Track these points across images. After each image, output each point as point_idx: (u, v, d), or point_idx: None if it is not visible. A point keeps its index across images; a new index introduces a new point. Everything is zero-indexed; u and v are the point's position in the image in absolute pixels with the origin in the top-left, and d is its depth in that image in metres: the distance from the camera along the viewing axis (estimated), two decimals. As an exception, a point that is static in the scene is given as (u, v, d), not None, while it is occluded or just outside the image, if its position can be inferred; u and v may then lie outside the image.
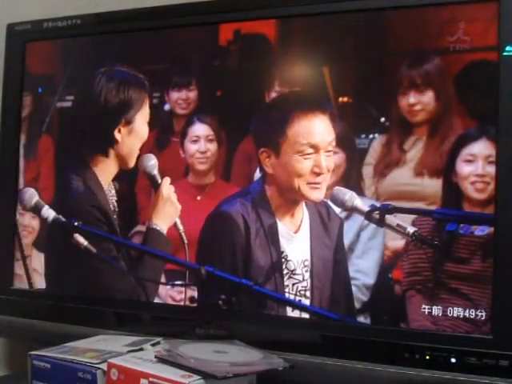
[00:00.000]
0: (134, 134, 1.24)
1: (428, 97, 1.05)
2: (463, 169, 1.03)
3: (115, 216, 1.26)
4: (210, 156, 1.22)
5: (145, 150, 1.25)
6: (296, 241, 1.15)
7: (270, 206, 1.15)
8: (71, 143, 1.32)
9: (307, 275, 1.14)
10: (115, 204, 1.27)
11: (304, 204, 1.15)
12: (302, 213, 1.16)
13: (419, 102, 1.06)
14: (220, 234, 1.16)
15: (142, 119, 1.24)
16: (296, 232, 1.15)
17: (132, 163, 1.25)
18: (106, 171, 1.26)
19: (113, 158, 1.25)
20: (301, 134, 1.11)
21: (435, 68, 1.05)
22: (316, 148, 1.11)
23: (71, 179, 1.26)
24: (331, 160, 1.11)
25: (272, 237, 1.14)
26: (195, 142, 1.22)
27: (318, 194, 1.12)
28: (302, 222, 1.16)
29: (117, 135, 1.24)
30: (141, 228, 1.26)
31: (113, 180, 1.27)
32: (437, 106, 1.05)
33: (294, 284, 1.13)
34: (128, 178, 1.27)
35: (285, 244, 1.14)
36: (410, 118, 1.07)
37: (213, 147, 1.22)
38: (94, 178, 1.25)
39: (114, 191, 1.27)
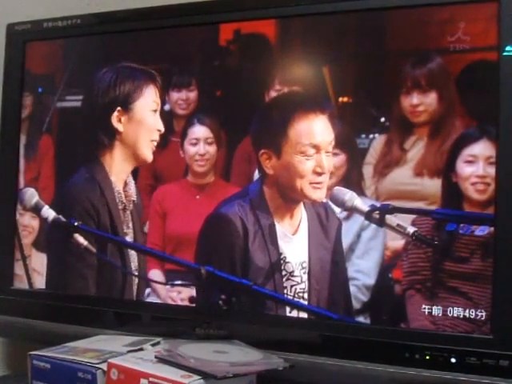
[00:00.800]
0: (136, 122, 1.23)
1: (431, 98, 1.05)
2: (464, 169, 1.03)
3: (125, 215, 1.25)
4: (209, 158, 1.21)
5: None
6: (294, 242, 1.15)
7: (269, 208, 1.15)
8: (73, 143, 1.32)
9: (305, 277, 1.13)
10: (125, 202, 1.25)
11: (303, 205, 1.15)
12: (301, 214, 1.15)
13: (422, 102, 1.06)
14: (218, 236, 1.16)
15: (144, 107, 1.23)
16: (294, 234, 1.15)
17: (146, 156, 1.23)
18: (117, 167, 1.25)
19: (120, 150, 1.24)
20: (303, 134, 1.11)
21: (436, 68, 1.05)
22: (317, 148, 1.11)
23: (74, 179, 1.26)
24: (331, 160, 1.11)
25: (270, 239, 1.14)
26: (194, 144, 1.22)
27: (319, 194, 1.12)
28: (301, 224, 1.15)
29: (116, 124, 1.23)
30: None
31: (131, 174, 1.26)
32: (439, 106, 1.05)
33: (292, 286, 1.13)
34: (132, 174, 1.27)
35: (283, 246, 1.14)
36: (412, 119, 1.07)
37: (212, 149, 1.21)
38: (104, 174, 1.24)
39: (132, 189, 1.25)
